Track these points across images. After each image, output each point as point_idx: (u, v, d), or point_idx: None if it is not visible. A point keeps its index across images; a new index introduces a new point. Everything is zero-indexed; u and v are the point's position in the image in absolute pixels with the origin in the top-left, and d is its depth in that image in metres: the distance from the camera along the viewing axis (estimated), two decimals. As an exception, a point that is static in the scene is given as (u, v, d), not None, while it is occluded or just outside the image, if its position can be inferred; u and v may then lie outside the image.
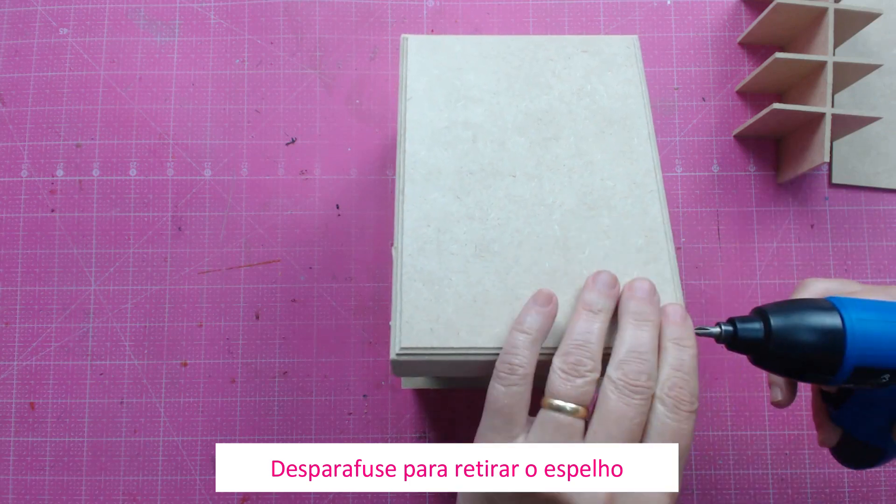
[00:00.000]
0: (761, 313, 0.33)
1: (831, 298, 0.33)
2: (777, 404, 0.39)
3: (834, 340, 0.31)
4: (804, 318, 0.32)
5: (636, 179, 0.37)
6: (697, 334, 0.34)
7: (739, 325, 0.33)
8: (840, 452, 0.40)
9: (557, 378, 0.31)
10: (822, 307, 0.32)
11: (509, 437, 0.32)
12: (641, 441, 0.31)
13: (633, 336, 0.32)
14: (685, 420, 0.31)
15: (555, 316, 0.33)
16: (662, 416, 0.31)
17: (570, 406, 0.31)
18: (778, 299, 0.50)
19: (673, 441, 0.31)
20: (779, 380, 0.39)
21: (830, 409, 0.39)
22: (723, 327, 0.34)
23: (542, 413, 0.31)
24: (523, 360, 0.31)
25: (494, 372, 0.32)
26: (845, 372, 0.31)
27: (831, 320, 0.32)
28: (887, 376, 0.31)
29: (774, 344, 0.32)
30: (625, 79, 0.40)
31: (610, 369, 0.31)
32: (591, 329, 0.32)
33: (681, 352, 0.32)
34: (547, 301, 0.33)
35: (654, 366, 0.31)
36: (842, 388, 0.37)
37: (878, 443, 0.37)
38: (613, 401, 0.30)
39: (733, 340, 0.33)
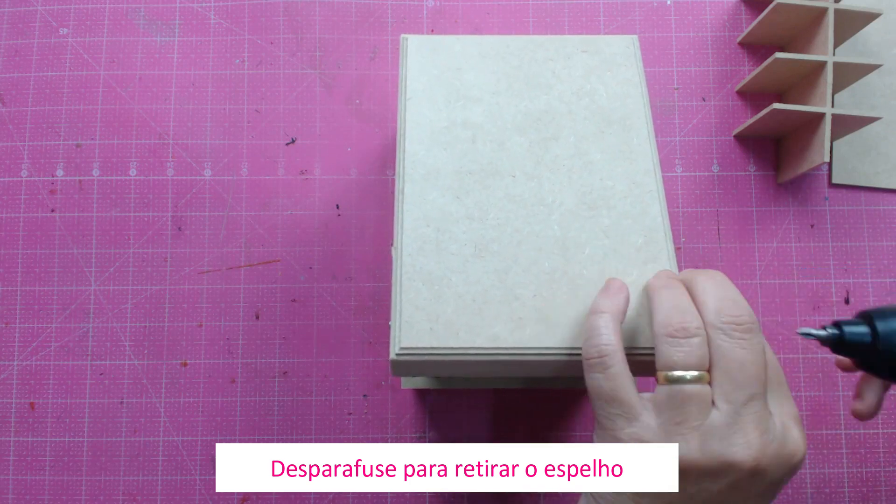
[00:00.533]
0: (866, 317, 0.34)
1: None
2: (859, 415, 0.38)
3: None
4: None
5: (636, 179, 0.37)
6: (804, 336, 0.35)
7: (846, 329, 0.34)
8: None
9: (667, 347, 0.28)
10: None
11: (632, 419, 0.29)
12: (711, 380, 0.29)
13: (716, 285, 0.30)
14: (745, 342, 0.28)
15: (629, 298, 0.32)
16: (720, 344, 0.29)
17: (690, 374, 0.28)
18: (780, 299, 0.50)
19: (739, 367, 0.28)
20: (873, 387, 0.38)
21: None
22: (829, 330, 0.34)
23: (662, 389, 0.29)
24: (609, 339, 0.30)
25: (585, 364, 0.30)
26: None
27: None
28: None
29: (882, 346, 0.33)
30: (624, 79, 0.40)
31: (710, 319, 0.29)
32: (677, 295, 0.30)
33: (722, 287, 0.30)
34: (620, 287, 0.32)
35: (750, 309, 0.29)
36: None
37: None
38: (728, 348, 0.28)
39: (839, 343, 0.34)
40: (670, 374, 0.28)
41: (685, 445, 0.28)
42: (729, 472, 0.27)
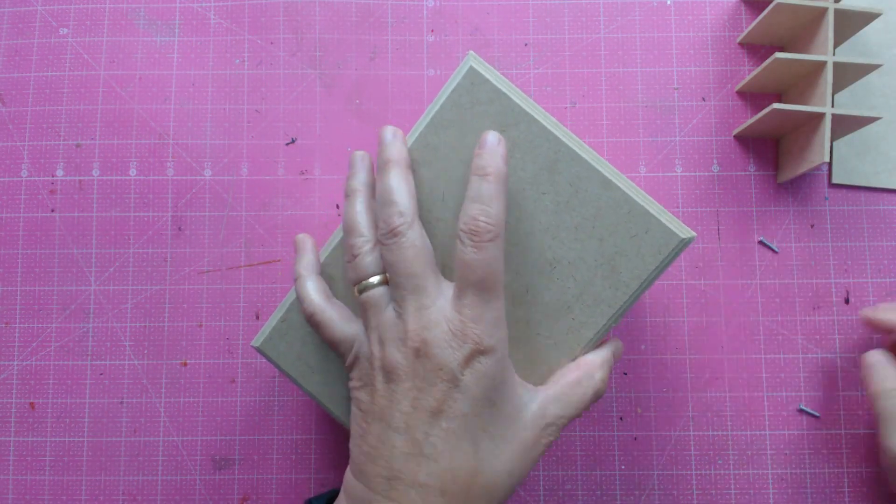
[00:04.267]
0: None
1: None
2: None
3: None
4: None
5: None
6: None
7: None
8: None
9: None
10: None
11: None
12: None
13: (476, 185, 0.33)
14: (484, 250, 0.31)
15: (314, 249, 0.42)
16: (459, 251, 0.32)
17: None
18: (780, 299, 0.50)
19: (465, 271, 0.32)
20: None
21: None
22: None
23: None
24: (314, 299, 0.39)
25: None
26: None
27: None
28: None
29: None
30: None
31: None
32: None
33: (480, 182, 0.32)
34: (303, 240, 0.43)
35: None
36: None
37: None
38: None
39: None
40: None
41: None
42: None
